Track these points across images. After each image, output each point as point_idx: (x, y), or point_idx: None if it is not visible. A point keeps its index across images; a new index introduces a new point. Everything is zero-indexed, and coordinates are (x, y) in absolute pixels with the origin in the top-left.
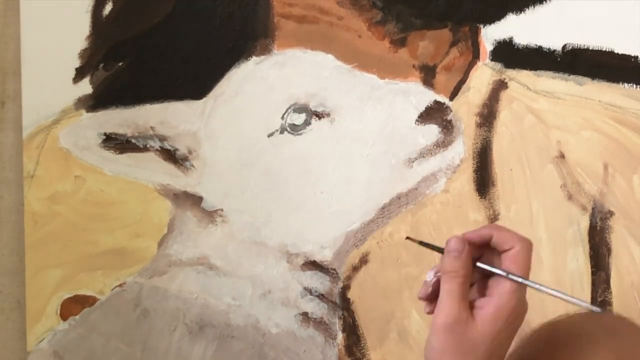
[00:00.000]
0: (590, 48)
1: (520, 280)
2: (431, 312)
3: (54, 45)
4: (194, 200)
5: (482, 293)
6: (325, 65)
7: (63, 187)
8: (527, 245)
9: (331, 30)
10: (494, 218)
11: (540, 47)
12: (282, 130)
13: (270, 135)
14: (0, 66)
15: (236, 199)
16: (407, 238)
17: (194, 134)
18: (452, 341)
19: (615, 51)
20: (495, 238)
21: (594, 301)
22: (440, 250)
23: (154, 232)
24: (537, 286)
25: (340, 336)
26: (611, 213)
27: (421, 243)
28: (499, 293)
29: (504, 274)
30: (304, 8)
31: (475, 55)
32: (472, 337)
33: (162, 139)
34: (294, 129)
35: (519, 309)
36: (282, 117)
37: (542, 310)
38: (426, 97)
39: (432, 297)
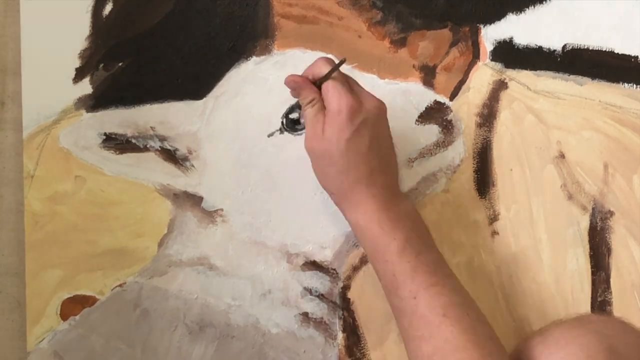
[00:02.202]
0: (590, 48)
1: (321, 79)
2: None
3: (54, 45)
4: (194, 200)
5: None
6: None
7: (63, 187)
8: (321, 59)
9: (331, 30)
10: (494, 218)
11: (540, 47)
12: (282, 130)
13: (270, 135)
14: (0, 66)
15: (236, 199)
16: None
17: (194, 134)
18: (317, 158)
19: (615, 51)
20: (311, 72)
21: (594, 301)
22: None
23: (154, 232)
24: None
25: (340, 336)
26: (611, 213)
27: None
28: (327, 100)
29: (320, 79)
30: (304, 8)
31: (476, 55)
32: (326, 147)
33: (162, 139)
34: (294, 129)
35: (351, 105)
36: (282, 117)
37: (542, 311)
38: (426, 97)
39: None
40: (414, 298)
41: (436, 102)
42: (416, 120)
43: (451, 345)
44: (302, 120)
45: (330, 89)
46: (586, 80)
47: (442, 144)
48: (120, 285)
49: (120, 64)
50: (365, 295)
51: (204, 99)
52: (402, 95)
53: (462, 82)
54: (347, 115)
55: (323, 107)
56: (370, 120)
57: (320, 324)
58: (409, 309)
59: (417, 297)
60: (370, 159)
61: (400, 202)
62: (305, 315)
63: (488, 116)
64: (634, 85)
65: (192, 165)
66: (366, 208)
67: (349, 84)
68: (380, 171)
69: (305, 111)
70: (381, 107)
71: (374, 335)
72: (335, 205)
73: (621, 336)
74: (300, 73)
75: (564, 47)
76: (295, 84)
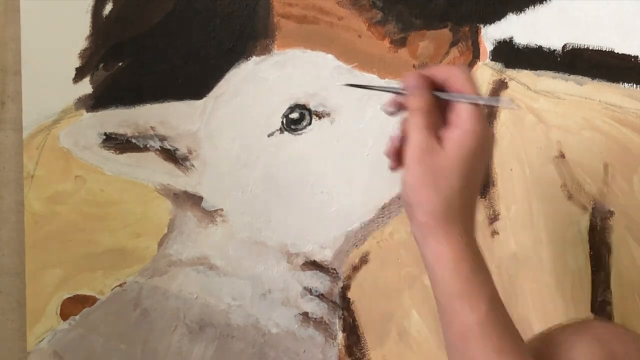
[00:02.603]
0: (590, 48)
1: (468, 100)
2: (395, 168)
3: (54, 45)
4: (194, 200)
5: (446, 126)
6: (325, 65)
7: (63, 187)
8: (465, 71)
9: (331, 30)
10: (494, 218)
11: (540, 47)
12: (282, 130)
13: (270, 135)
14: (0, 66)
15: (236, 199)
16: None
17: (194, 134)
18: (424, 171)
19: (615, 51)
20: (444, 79)
21: (594, 301)
22: (390, 90)
23: (154, 232)
24: (482, 101)
25: (340, 336)
26: (611, 213)
27: (366, 87)
28: (460, 120)
29: (460, 98)
30: (304, 8)
31: (476, 55)
32: (441, 164)
33: (162, 138)
34: (294, 129)
35: (483, 132)
36: (282, 117)
37: (542, 311)
38: None
39: (398, 154)
40: (497, 353)
41: None
42: None
43: None
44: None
45: (467, 106)
46: (586, 80)
47: None
48: (120, 285)
49: (120, 64)
50: (365, 295)
51: (204, 99)
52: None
53: None
54: (481, 139)
55: (438, 119)
56: (488, 152)
57: (320, 324)
58: None
59: (502, 353)
60: (476, 191)
61: (478, 246)
62: (305, 315)
63: (488, 116)
64: (634, 85)
65: (192, 165)
66: (463, 241)
67: (486, 101)
68: (475, 207)
69: (415, 118)
70: (493, 138)
71: (373, 335)
72: (417, 226)
73: (623, 343)
74: (300, 73)
75: (564, 47)
76: (417, 82)
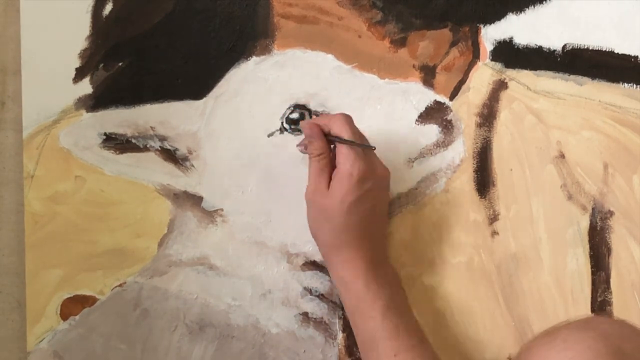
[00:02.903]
0: (590, 48)
1: (339, 140)
2: None
3: (54, 45)
4: (194, 200)
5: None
6: (325, 65)
7: (63, 187)
8: (343, 117)
9: (331, 30)
10: (494, 218)
11: (540, 47)
12: (282, 130)
13: (270, 135)
14: (0, 66)
15: (236, 199)
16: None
17: (194, 134)
18: (316, 211)
19: (615, 51)
20: (328, 125)
21: (594, 301)
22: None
23: (154, 232)
24: (347, 140)
25: (340, 336)
26: (611, 213)
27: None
28: (339, 163)
29: (337, 139)
30: (304, 8)
31: (476, 55)
32: (328, 204)
33: (162, 139)
34: (294, 129)
35: (363, 171)
36: (282, 117)
37: (542, 311)
38: (426, 97)
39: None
40: (394, 355)
41: (436, 102)
42: (416, 120)
43: None
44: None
45: (345, 151)
46: (586, 80)
47: (442, 144)
48: (120, 285)
49: (120, 64)
50: None
51: (204, 99)
52: (402, 95)
53: (462, 82)
54: (357, 179)
55: (329, 163)
56: (376, 188)
57: (320, 324)
58: None
59: (398, 354)
60: (367, 224)
61: (386, 267)
62: (305, 315)
63: (488, 116)
64: (634, 85)
65: (192, 165)
66: (354, 266)
67: (361, 144)
68: (373, 235)
69: (312, 163)
70: (387, 177)
71: None
72: (322, 255)
73: (628, 339)
74: (300, 73)
75: (564, 47)
76: (310, 132)
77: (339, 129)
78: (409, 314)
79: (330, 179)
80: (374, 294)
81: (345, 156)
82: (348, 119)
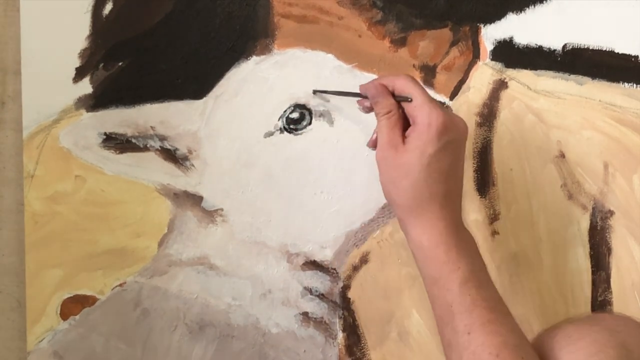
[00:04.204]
0: (591, 48)
1: (403, 99)
2: None
3: (54, 45)
4: (194, 200)
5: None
6: (325, 65)
7: (63, 187)
8: (408, 77)
9: (331, 30)
10: (494, 217)
11: (540, 47)
12: (282, 130)
13: (270, 135)
14: (0, 66)
15: (236, 199)
16: (315, 91)
17: (194, 133)
18: (391, 168)
19: (616, 51)
20: (392, 84)
21: (594, 301)
22: (354, 94)
23: (154, 231)
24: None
25: (340, 336)
26: (611, 212)
27: (332, 92)
28: (414, 115)
29: (406, 97)
30: (304, 8)
31: (476, 55)
32: (405, 159)
33: (162, 138)
34: (294, 129)
35: (442, 121)
36: (282, 117)
37: (542, 311)
38: None
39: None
40: (468, 333)
41: None
42: None
43: None
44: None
45: (422, 102)
46: (586, 79)
47: None
48: (120, 285)
49: (120, 64)
50: (366, 295)
51: (204, 98)
52: None
53: (462, 82)
54: (437, 130)
55: (401, 119)
56: (457, 141)
57: (320, 324)
58: (462, 344)
59: (472, 332)
60: (448, 180)
61: (464, 232)
62: (305, 315)
63: (488, 116)
64: (634, 85)
65: (192, 165)
66: (434, 230)
67: (436, 102)
68: (453, 196)
69: (381, 122)
70: (467, 131)
71: (374, 335)
72: (398, 219)
73: (633, 333)
74: (304, 73)
75: (564, 46)
76: (376, 91)
77: (403, 87)
78: (489, 285)
79: (403, 135)
80: (453, 263)
81: (420, 108)
82: (412, 78)
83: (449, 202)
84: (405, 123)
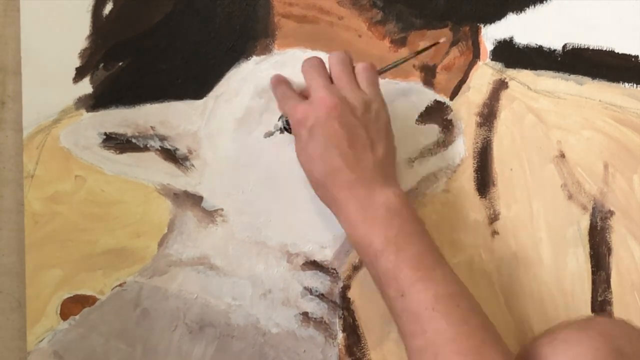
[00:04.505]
0: (591, 48)
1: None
2: None
3: (54, 45)
4: (195, 200)
5: None
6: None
7: (63, 186)
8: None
9: (331, 30)
10: (494, 217)
11: (540, 47)
12: (282, 130)
13: (270, 134)
14: (0, 66)
15: (236, 199)
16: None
17: (194, 133)
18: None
19: (616, 51)
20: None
21: (594, 301)
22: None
23: (154, 231)
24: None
25: (340, 336)
26: (611, 213)
27: (392, 66)
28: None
29: None
30: (304, 8)
31: (476, 55)
32: (299, 160)
33: (162, 138)
34: None
35: (299, 114)
36: (282, 117)
37: (542, 311)
38: (426, 96)
39: None
40: (401, 296)
41: (436, 102)
42: (416, 120)
43: (443, 337)
44: None
45: (284, 106)
46: (586, 79)
47: (443, 144)
48: (120, 285)
49: (120, 64)
50: (365, 295)
51: (204, 98)
52: (402, 95)
53: (462, 82)
54: (297, 124)
55: None
56: (320, 120)
57: (320, 324)
58: (399, 307)
59: (404, 294)
60: (328, 159)
61: (377, 197)
62: (305, 315)
63: (488, 116)
64: (634, 85)
65: (192, 165)
66: (342, 210)
67: (304, 85)
68: (347, 169)
69: None
70: (327, 104)
71: (374, 335)
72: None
73: (629, 339)
74: (301, 74)
75: (564, 46)
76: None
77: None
78: (411, 244)
79: None
80: (365, 238)
81: (285, 109)
82: (305, 69)
83: (341, 179)
84: None
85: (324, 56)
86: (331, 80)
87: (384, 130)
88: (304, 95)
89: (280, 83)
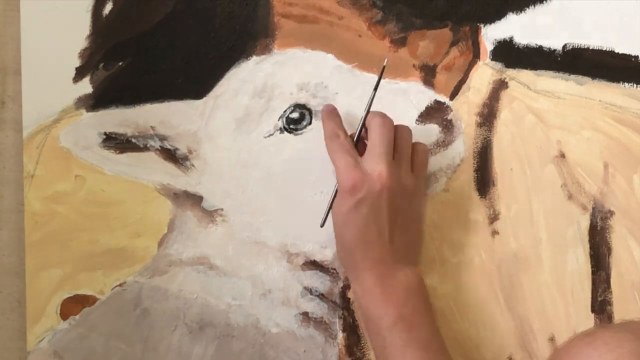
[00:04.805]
0: (591, 48)
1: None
2: None
3: (54, 45)
4: (194, 199)
5: None
6: (325, 64)
7: (63, 186)
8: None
9: (331, 29)
10: (494, 217)
11: (540, 47)
12: (282, 130)
13: (270, 135)
14: (0, 66)
15: (236, 199)
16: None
17: (194, 133)
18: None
19: (616, 51)
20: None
21: (594, 301)
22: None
23: (154, 231)
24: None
25: (340, 336)
26: (611, 213)
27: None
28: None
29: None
30: (304, 8)
31: (476, 55)
32: (334, 220)
33: (162, 138)
34: (294, 128)
35: (353, 185)
36: (282, 117)
37: (542, 311)
38: (426, 96)
39: None
40: None
41: (436, 102)
42: (416, 120)
43: None
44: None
45: (337, 162)
46: (586, 79)
47: (442, 144)
48: (120, 285)
49: (120, 64)
50: None
51: (204, 98)
52: (402, 95)
53: (462, 82)
54: (345, 192)
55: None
56: (370, 197)
57: (320, 324)
58: None
59: None
60: (365, 233)
61: (399, 275)
62: (305, 314)
63: (488, 116)
64: (634, 85)
65: (192, 165)
66: (362, 281)
67: (360, 149)
68: (379, 247)
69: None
70: (384, 183)
71: None
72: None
73: None
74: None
75: (564, 46)
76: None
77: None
78: (422, 326)
79: None
80: (380, 310)
81: (338, 168)
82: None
83: (370, 252)
84: None
85: (323, 56)
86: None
87: (420, 214)
88: (353, 137)
89: (331, 116)
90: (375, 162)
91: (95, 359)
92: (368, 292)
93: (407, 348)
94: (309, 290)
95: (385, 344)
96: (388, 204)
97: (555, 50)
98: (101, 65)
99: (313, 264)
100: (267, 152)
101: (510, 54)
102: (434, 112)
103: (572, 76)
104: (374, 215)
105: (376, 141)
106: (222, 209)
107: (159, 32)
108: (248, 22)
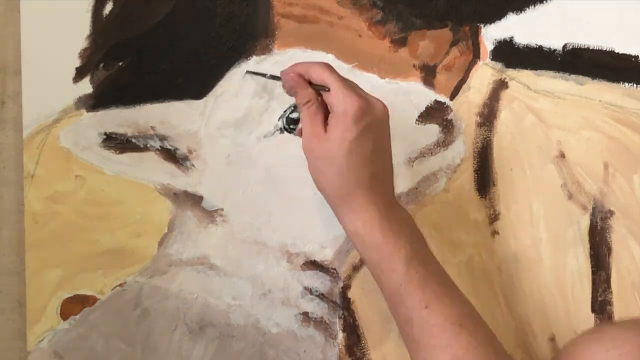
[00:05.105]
0: (591, 48)
1: (321, 88)
2: None
3: (54, 45)
4: (195, 199)
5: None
6: None
7: (63, 186)
8: (322, 65)
9: (331, 30)
10: (494, 217)
11: (540, 47)
12: (282, 130)
13: (270, 134)
14: (0, 66)
15: (236, 199)
16: (247, 72)
17: (194, 133)
18: (316, 159)
19: (616, 51)
20: (307, 73)
21: (594, 301)
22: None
23: (154, 231)
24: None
25: (340, 336)
26: (611, 212)
27: (263, 75)
28: (331, 103)
29: (323, 87)
30: (304, 8)
31: (476, 55)
32: (328, 148)
33: (162, 138)
34: (294, 128)
35: (358, 106)
36: (282, 117)
37: (542, 311)
38: (426, 96)
39: None
40: (425, 307)
41: (436, 102)
42: (416, 120)
43: (472, 355)
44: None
45: (337, 89)
46: (586, 79)
47: (443, 144)
48: (120, 285)
49: (120, 64)
50: (366, 295)
51: (204, 98)
52: (402, 95)
53: (462, 82)
54: (354, 116)
55: (321, 108)
56: (376, 123)
57: (320, 324)
58: (421, 318)
59: (429, 306)
60: (373, 163)
61: (399, 211)
62: (305, 314)
63: (488, 116)
64: (634, 85)
65: (192, 165)
66: (367, 216)
67: (352, 87)
68: (381, 177)
69: (303, 112)
70: (386, 112)
71: (374, 335)
72: (332, 209)
73: None
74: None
75: (564, 46)
76: (292, 81)
77: (318, 75)
78: (433, 260)
79: (325, 124)
80: (393, 245)
81: (335, 96)
82: (326, 65)
83: (378, 184)
84: (327, 111)
85: (324, 56)
86: None
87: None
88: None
89: (299, 87)
90: (362, 91)
91: (95, 359)
92: (377, 227)
93: (426, 282)
94: (309, 290)
95: (401, 281)
96: (388, 134)
97: (555, 50)
98: (101, 65)
99: (313, 264)
100: (267, 152)
101: (511, 54)
102: (434, 112)
103: (572, 76)
104: (381, 143)
105: (340, 79)
106: (222, 209)
107: (159, 32)
108: (248, 22)
